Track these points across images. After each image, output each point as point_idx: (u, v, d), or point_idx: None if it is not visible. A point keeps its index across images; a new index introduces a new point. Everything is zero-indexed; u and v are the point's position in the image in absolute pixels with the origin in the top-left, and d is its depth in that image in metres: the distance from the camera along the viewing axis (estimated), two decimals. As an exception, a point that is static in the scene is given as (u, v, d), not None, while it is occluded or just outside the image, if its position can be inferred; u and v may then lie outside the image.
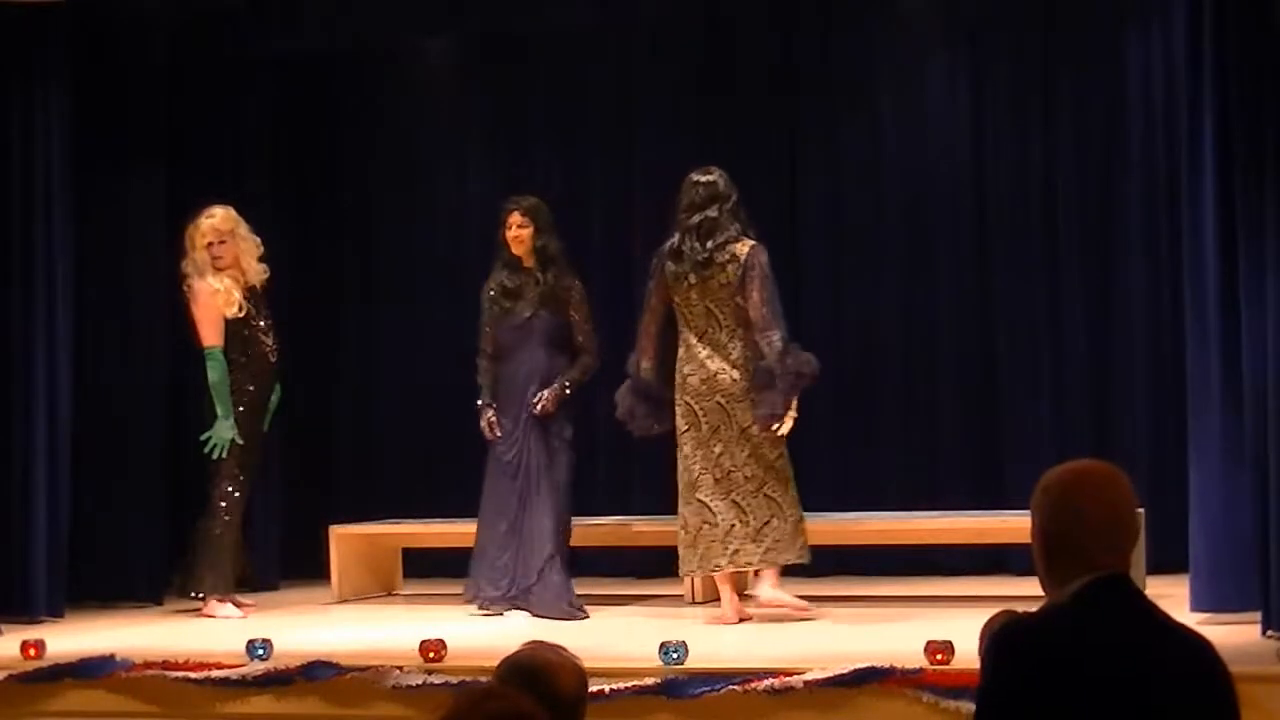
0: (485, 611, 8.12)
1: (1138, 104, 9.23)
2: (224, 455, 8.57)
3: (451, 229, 10.42)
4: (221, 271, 8.66)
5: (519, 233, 8.32)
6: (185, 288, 8.73)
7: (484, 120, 10.47)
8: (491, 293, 8.41)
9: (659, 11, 9.87)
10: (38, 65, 8.67)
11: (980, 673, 3.13)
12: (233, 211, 8.77)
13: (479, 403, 8.35)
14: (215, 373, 8.60)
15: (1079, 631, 3.03)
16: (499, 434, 8.27)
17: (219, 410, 8.58)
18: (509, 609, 8.06)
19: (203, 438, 8.59)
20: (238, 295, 8.67)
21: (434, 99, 10.56)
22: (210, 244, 8.66)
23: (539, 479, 8.20)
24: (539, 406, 8.21)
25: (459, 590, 8.81)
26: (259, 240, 8.80)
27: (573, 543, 9.23)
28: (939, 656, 5.96)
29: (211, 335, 8.62)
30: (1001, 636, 3.09)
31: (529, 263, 8.35)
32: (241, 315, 8.68)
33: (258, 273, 8.79)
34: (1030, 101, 9.46)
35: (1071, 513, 3.14)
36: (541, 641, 3.68)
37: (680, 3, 9.91)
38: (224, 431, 8.59)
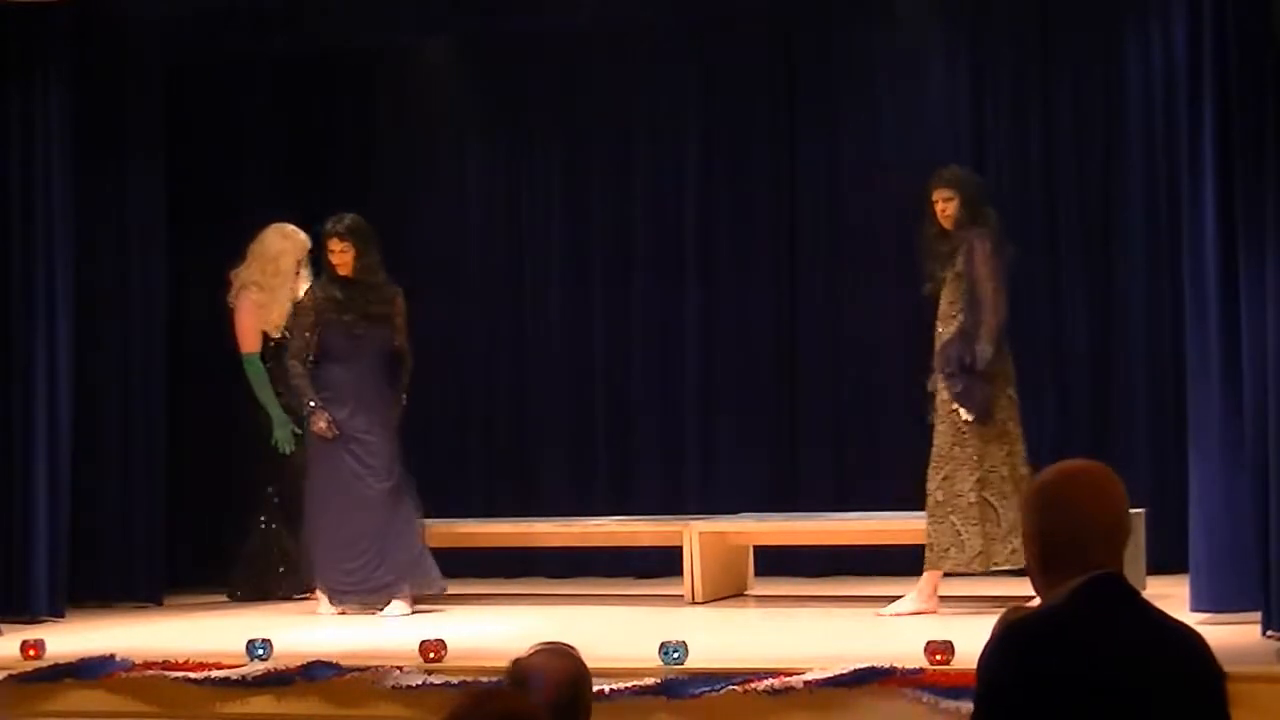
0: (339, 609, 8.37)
1: (1138, 104, 9.23)
2: (291, 450, 8.99)
3: (450, 228, 10.42)
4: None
5: (342, 257, 8.49)
6: (239, 294, 9.08)
7: (484, 120, 10.48)
8: (318, 303, 8.54)
9: (658, 11, 9.88)
10: (38, 64, 8.66)
11: (977, 672, 3.13)
12: None
13: (312, 405, 8.44)
14: (262, 376, 9.08)
15: (1077, 630, 3.04)
16: (338, 432, 8.42)
17: (272, 411, 9.05)
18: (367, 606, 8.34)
19: (273, 441, 9.07)
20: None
21: (434, 98, 10.56)
22: (299, 260, 9.10)
23: (385, 481, 8.45)
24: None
25: (459, 590, 8.82)
26: None
27: (573, 543, 9.29)
28: (939, 656, 5.96)
29: (255, 342, 9.09)
30: (1000, 636, 3.10)
31: (353, 278, 8.54)
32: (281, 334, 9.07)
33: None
34: (1030, 101, 9.47)
35: (1067, 513, 3.14)
36: (547, 644, 3.68)
37: (680, 2, 9.91)
38: (285, 427, 9.06)
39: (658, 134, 10.05)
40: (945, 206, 7.84)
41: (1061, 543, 3.14)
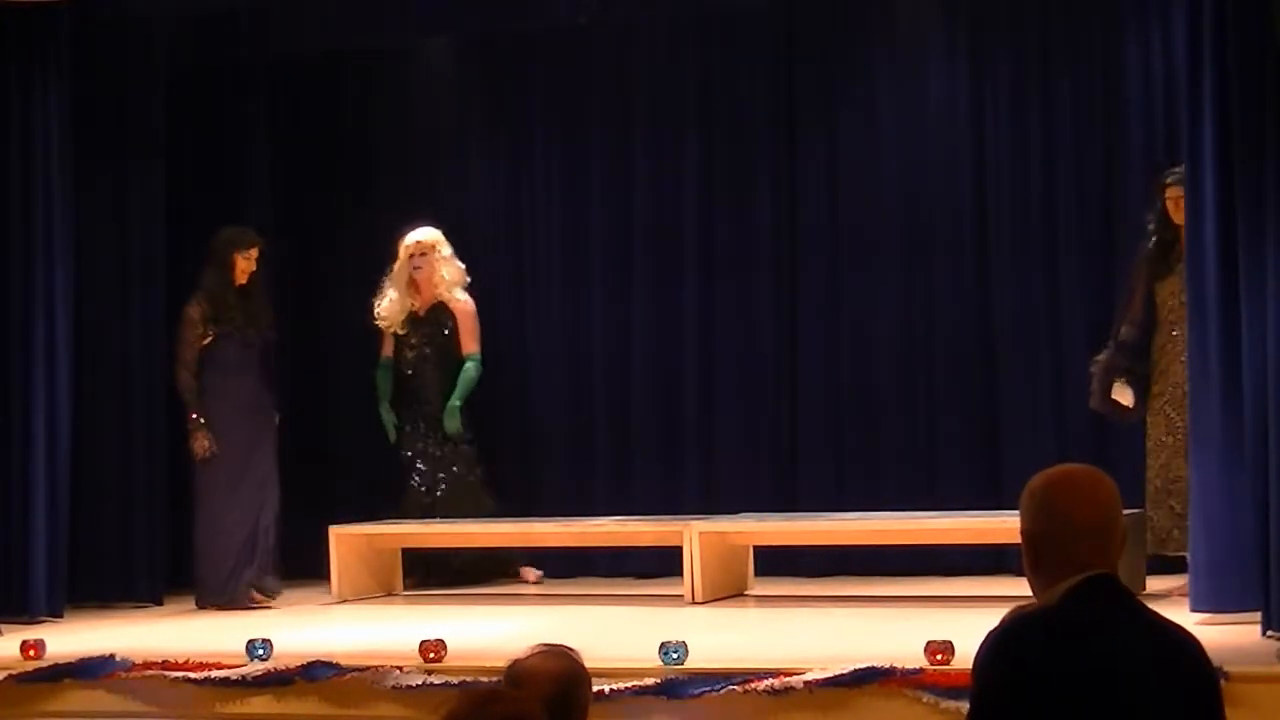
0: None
1: (1138, 103, 9.23)
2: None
3: (451, 229, 10.41)
4: None
5: (255, 264, 8.91)
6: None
7: (484, 120, 10.47)
8: (202, 313, 8.83)
9: (658, 10, 9.88)
10: (38, 65, 8.67)
11: (972, 672, 3.14)
12: None
13: (195, 417, 8.79)
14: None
15: (1071, 630, 3.05)
16: (216, 451, 8.75)
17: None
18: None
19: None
20: None
21: (434, 98, 10.56)
22: (411, 257, 9.55)
23: (270, 477, 8.92)
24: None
25: (458, 590, 8.82)
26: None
27: (573, 543, 9.29)
28: (939, 656, 5.96)
29: (386, 346, 9.67)
30: (994, 637, 3.10)
31: (246, 290, 8.91)
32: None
33: None
34: (1030, 101, 9.46)
35: (1059, 517, 3.16)
36: (546, 646, 3.68)
37: (679, 2, 9.91)
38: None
39: (658, 133, 10.05)
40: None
41: (1050, 545, 3.16)
